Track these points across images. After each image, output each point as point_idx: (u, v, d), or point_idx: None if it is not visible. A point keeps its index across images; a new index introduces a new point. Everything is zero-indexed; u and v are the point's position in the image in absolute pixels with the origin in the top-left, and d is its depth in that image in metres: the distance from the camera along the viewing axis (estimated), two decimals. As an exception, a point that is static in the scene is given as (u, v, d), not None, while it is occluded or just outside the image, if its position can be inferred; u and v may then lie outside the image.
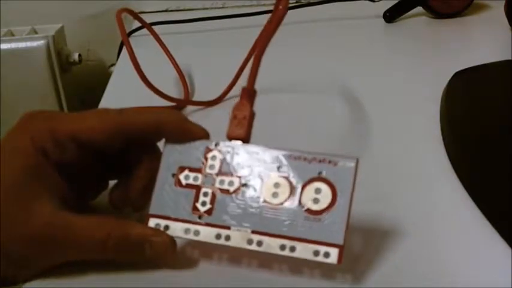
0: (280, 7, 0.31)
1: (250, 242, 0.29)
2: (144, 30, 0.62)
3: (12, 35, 0.81)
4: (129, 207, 0.32)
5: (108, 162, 0.33)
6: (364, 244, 0.32)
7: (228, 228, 0.29)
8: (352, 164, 0.28)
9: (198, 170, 0.31)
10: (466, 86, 0.49)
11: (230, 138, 0.31)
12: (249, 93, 0.32)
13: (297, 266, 0.30)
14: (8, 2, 0.83)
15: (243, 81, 0.32)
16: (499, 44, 0.61)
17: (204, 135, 0.32)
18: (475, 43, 0.63)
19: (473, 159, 0.38)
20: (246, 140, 0.31)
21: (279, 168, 0.30)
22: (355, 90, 0.51)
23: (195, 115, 0.49)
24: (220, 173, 0.30)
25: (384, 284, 0.29)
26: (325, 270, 0.30)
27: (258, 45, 0.33)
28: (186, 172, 0.31)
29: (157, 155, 0.32)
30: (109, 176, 0.34)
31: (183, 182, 0.31)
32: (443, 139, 0.42)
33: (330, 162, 0.29)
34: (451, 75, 0.49)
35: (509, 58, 0.53)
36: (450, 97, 0.46)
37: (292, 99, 0.51)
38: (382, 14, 0.70)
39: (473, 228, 0.33)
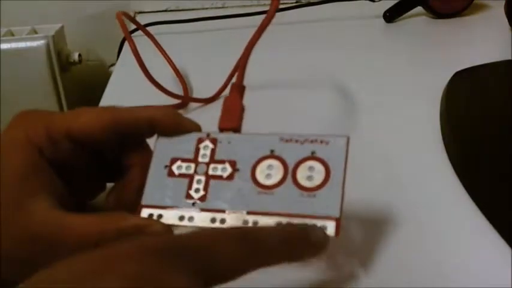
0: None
1: (245, 222, 0.28)
2: (142, 32, 0.61)
3: (12, 35, 0.81)
4: (124, 209, 0.32)
5: (105, 163, 0.33)
6: (363, 245, 0.32)
7: (223, 211, 0.29)
8: (344, 141, 0.29)
9: (191, 160, 0.31)
10: (466, 86, 0.49)
11: (222, 129, 0.31)
12: (238, 87, 0.33)
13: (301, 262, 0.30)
14: (8, 2, 0.84)
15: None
16: (499, 44, 0.61)
17: (196, 128, 0.32)
18: (475, 43, 0.63)
19: (473, 159, 0.38)
20: (237, 130, 0.31)
21: (271, 151, 0.30)
22: (354, 90, 0.51)
23: (194, 114, 0.49)
24: (212, 161, 0.30)
25: (385, 284, 0.29)
26: (328, 267, 0.30)
27: (248, 44, 0.34)
28: (179, 163, 0.31)
29: (149, 157, 0.32)
30: (106, 177, 0.34)
31: (176, 172, 0.31)
32: (443, 139, 0.42)
33: (321, 142, 0.29)
34: (451, 75, 0.49)
35: (509, 58, 0.53)
36: (450, 97, 0.46)
37: (291, 99, 0.51)
38: (382, 14, 0.70)
39: (473, 228, 0.33)
